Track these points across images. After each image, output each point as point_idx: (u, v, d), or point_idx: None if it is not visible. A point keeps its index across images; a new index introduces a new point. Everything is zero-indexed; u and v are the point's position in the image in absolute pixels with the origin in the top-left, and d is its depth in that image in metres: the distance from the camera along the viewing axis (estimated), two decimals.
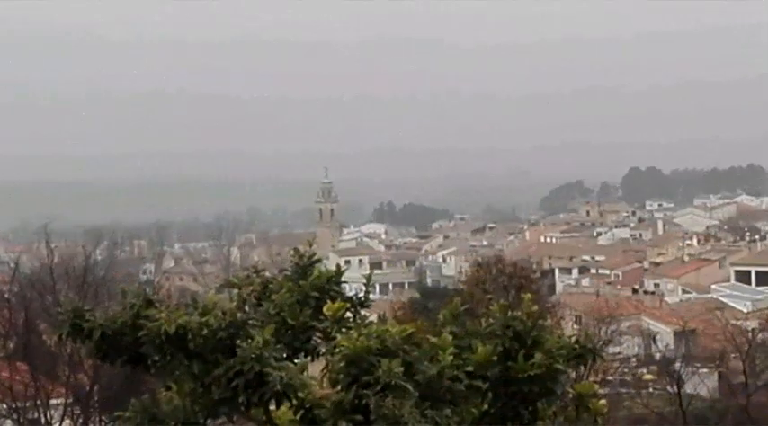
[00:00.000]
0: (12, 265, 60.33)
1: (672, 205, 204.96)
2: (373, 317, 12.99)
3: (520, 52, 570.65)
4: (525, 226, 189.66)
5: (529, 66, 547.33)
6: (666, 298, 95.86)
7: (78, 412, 24.37)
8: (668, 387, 35.68)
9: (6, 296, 41.24)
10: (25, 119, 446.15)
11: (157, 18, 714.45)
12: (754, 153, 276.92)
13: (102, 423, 21.49)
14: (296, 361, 11.90)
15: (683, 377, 39.20)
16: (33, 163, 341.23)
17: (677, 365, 42.31)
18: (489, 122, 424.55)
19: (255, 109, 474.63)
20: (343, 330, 11.95)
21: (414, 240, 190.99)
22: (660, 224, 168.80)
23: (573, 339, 12.28)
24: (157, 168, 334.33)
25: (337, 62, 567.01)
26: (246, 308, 12.60)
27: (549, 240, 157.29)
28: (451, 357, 11.39)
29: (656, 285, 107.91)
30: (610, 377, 42.76)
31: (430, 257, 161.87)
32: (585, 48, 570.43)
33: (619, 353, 48.20)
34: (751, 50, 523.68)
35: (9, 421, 24.87)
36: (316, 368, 11.79)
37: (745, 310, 75.64)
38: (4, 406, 25.18)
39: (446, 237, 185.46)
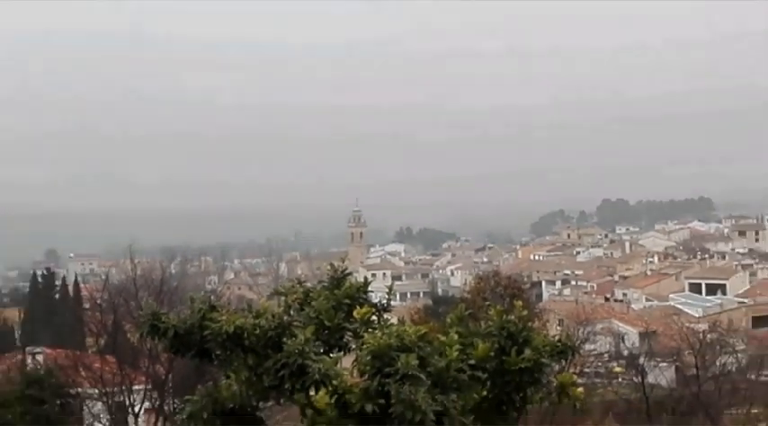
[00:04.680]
0: (103, 277, 60.56)
1: (637, 229, 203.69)
2: (394, 320, 12.97)
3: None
4: (518, 247, 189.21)
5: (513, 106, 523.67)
6: (632, 305, 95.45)
7: (155, 396, 24.39)
8: (634, 378, 35.46)
9: (99, 302, 41.38)
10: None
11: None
12: (705, 186, 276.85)
13: (175, 405, 21.49)
14: (331, 355, 11.87)
15: (647, 369, 38.88)
16: (118, 191, 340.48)
17: (641, 360, 41.99)
18: (487, 161, 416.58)
19: (298, 146, 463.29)
20: (370, 330, 11.92)
21: (427, 257, 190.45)
22: (627, 245, 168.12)
23: (556, 338, 12.23)
24: (220, 197, 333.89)
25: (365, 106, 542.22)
26: (291, 312, 12.59)
27: (537, 258, 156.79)
28: (457, 352, 11.36)
29: (624, 294, 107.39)
30: (586, 370, 42.44)
31: (440, 271, 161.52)
32: (554, 85, 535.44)
33: (593, 350, 47.89)
34: (701, 87, 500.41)
35: (100, 404, 24.86)
36: (347, 361, 11.77)
37: (697, 315, 75.26)
38: (96, 391, 25.19)
39: (453, 255, 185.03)
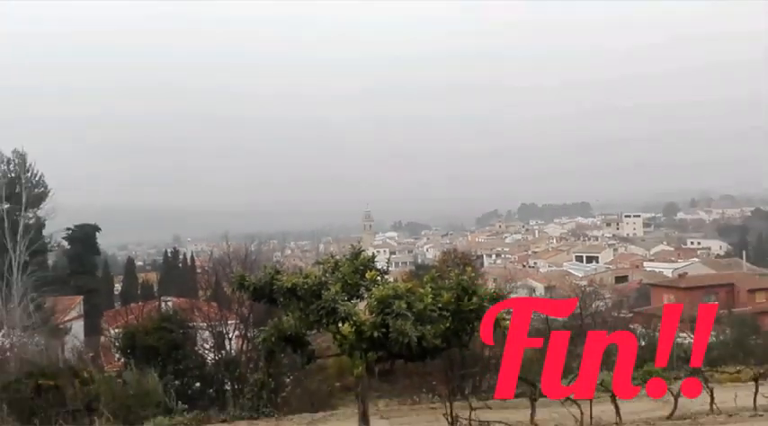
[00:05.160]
0: (209, 253, 60.62)
1: (543, 222, 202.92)
2: (391, 279, 12.98)
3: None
4: (468, 233, 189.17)
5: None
6: (540, 270, 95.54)
7: (242, 327, 24.28)
8: (542, 315, 35.29)
9: (206, 268, 41.41)
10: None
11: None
12: (585, 194, 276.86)
13: (254, 333, 21.52)
14: (352, 302, 11.92)
15: None
16: (218, 193, 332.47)
17: None
18: (450, 178, 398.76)
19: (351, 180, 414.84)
20: (376, 285, 11.96)
21: (411, 240, 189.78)
22: (537, 232, 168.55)
23: (492, 290, 12.26)
24: (279, 197, 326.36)
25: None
26: (327, 275, 12.61)
27: (480, 240, 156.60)
28: (430, 299, 11.40)
29: (535, 263, 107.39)
30: (511, 310, 42.18)
31: (419, 249, 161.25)
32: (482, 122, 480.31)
33: (515, 296, 47.73)
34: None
35: (207, 333, 24.75)
36: (362, 305, 11.80)
37: (580, 275, 75.26)
38: (204, 325, 25.08)
39: (428, 239, 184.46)
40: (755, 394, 13.86)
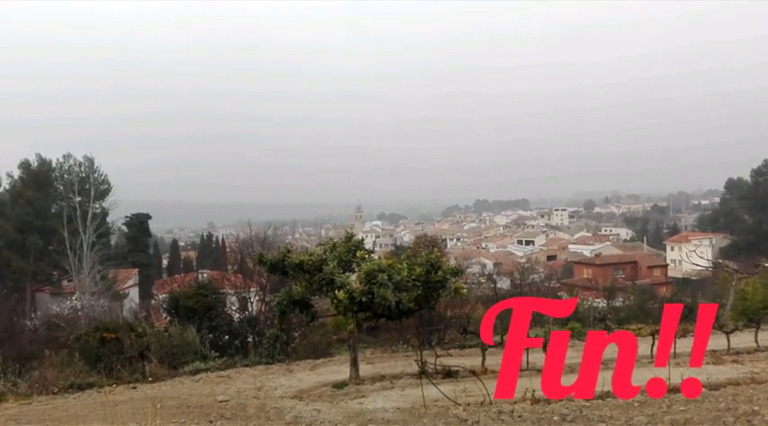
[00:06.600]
0: (236, 236, 60.11)
1: (492, 213, 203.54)
2: (376, 257, 12.92)
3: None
4: (435, 222, 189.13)
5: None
6: (490, 250, 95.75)
7: (261, 293, 23.92)
8: (491, 284, 35.37)
9: (234, 248, 41.04)
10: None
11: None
12: (524, 192, 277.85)
13: (271, 298, 21.34)
14: (346, 274, 11.86)
15: (497, 279, 38.77)
16: (242, 192, 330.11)
17: (494, 275, 41.87)
18: (421, 181, 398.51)
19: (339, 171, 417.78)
20: (364, 262, 11.91)
21: (392, 227, 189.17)
22: (488, 221, 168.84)
23: (453, 266, 12.25)
24: (290, 194, 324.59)
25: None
26: (326, 253, 12.54)
27: (444, 227, 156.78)
28: (406, 272, 11.36)
29: (486, 245, 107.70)
30: (468, 281, 42.22)
31: (398, 234, 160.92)
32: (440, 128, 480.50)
33: (472, 271, 48.03)
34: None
35: (234, 297, 24.46)
36: (353, 277, 11.75)
37: (521, 254, 75.69)
38: (232, 291, 24.73)
39: (404, 227, 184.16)
40: (652, 345, 14.01)
